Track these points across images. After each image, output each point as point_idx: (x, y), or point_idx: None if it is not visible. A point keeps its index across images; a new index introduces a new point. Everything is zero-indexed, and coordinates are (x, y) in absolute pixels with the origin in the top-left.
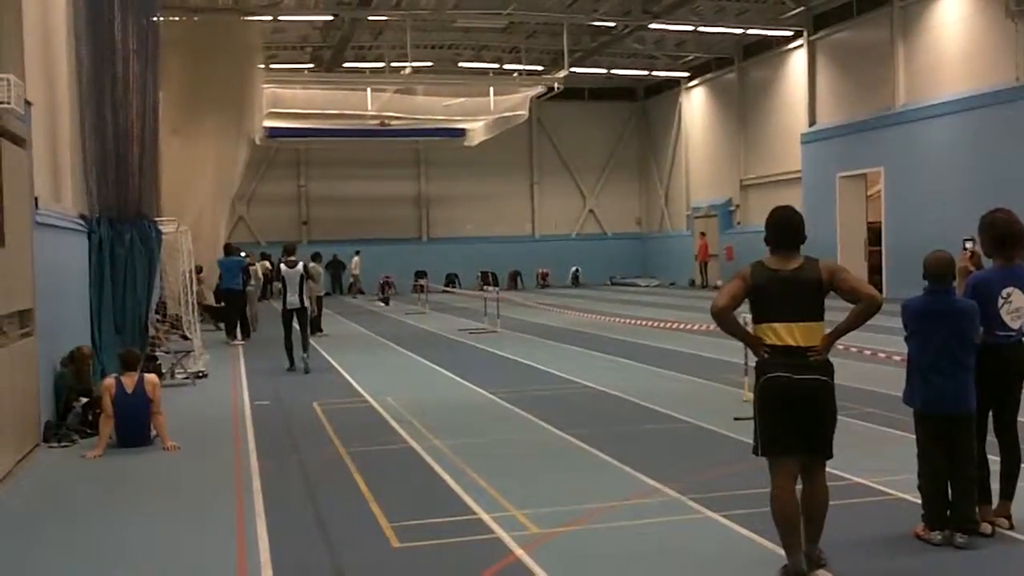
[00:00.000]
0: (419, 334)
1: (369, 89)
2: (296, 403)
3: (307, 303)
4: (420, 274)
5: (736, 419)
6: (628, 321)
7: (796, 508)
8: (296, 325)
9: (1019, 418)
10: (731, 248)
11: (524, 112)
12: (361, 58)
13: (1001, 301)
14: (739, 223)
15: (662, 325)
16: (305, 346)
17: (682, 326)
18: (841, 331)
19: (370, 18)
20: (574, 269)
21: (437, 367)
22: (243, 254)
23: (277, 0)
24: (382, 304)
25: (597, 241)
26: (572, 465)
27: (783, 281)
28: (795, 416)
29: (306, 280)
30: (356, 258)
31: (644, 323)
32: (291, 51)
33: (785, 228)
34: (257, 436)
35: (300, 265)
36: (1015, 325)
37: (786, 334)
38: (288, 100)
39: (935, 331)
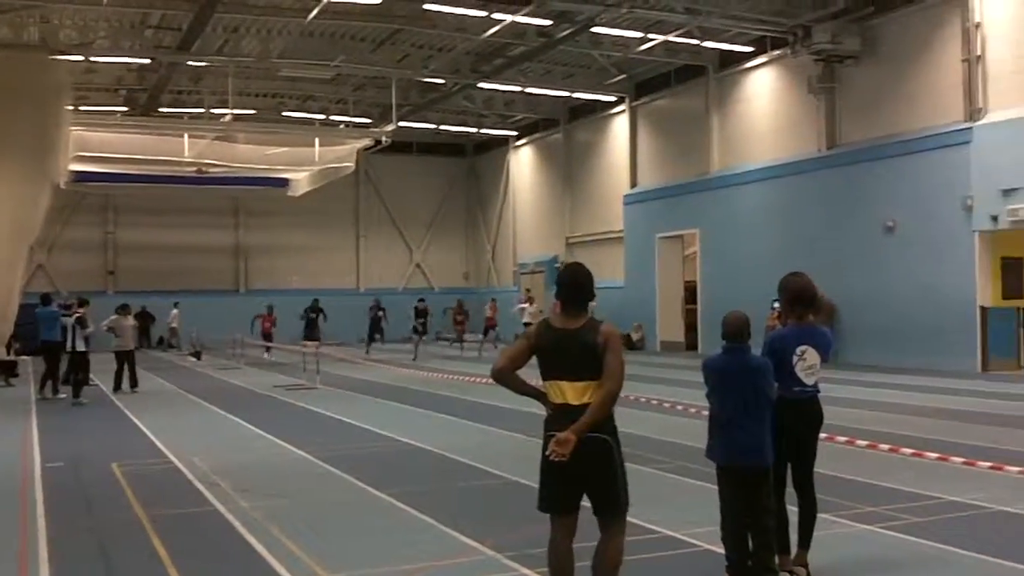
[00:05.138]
0: (231, 390)
1: (187, 135)
2: (94, 464)
3: (80, 346)
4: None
5: None
6: (451, 376)
7: (569, 562)
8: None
9: (816, 469)
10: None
11: (351, 164)
12: (179, 103)
13: (796, 358)
14: None
15: (484, 380)
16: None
17: None
18: (585, 424)
19: (190, 63)
20: (421, 303)
21: (249, 425)
22: (57, 303)
23: (89, 40)
24: (193, 359)
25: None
26: (387, 525)
27: (563, 339)
28: (571, 475)
29: (79, 328)
30: (175, 311)
31: (467, 379)
32: (103, 93)
33: (569, 286)
34: (47, 500)
35: (74, 317)
36: (810, 381)
37: (564, 392)
38: (97, 144)
39: (733, 387)
